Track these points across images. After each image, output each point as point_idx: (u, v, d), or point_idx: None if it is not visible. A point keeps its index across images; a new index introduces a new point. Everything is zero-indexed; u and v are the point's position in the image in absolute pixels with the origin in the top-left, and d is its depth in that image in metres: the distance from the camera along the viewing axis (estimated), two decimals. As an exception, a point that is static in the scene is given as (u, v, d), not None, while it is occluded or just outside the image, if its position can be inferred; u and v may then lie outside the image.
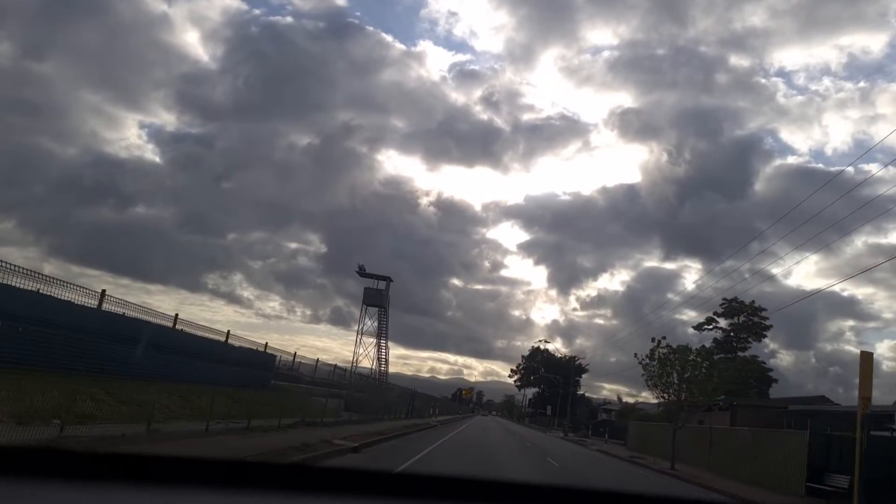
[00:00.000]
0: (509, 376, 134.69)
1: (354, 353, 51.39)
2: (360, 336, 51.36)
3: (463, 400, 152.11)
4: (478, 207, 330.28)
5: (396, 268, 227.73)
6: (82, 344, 13.17)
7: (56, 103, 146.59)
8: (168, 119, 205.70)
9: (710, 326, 49.29)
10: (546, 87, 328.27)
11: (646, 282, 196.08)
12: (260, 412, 21.15)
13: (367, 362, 54.75)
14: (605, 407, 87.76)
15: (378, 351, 53.84)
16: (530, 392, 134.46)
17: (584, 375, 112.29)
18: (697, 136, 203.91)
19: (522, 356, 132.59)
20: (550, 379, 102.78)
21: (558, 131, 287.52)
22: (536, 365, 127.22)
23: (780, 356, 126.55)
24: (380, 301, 50.95)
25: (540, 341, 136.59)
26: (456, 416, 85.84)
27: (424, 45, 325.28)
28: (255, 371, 30.29)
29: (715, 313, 44.53)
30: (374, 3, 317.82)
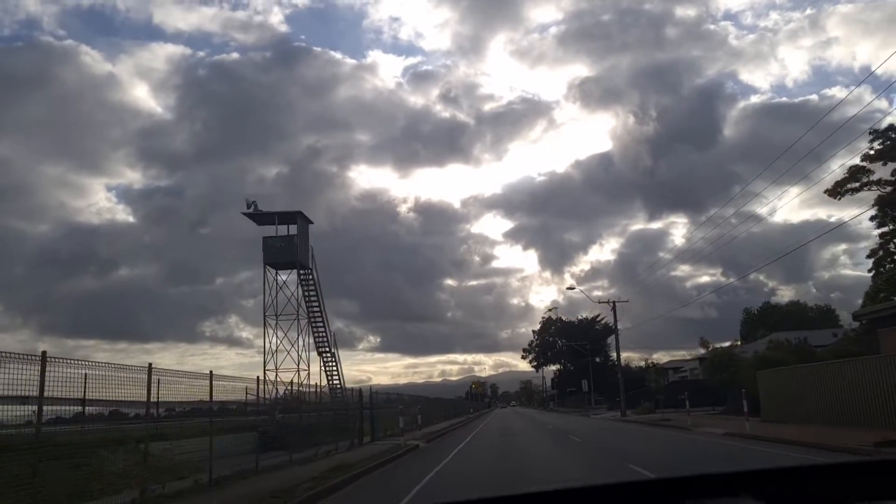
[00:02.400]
0: (522, 357, 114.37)
1: (266, 355, 30.78)
2: (272, 330, 30.91)
3: (476, 396, 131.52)
4: (457, 205, 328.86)
5: (388, 279, 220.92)
6: None
7: (18, 182, 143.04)
8: (134, 177, 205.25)
9: (857, 184, 29.22)
10: (501, 74, 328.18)
11: (635, 245, 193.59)
12: None
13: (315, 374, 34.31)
14: (668, 366, 67.53)
15: (318, 347, 33.60)
16: (550, 371, 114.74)
17: (610, 339, 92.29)
18: (659, 93, 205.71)
19: (533, 331, 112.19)
20: (574, 348, 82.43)
21: (522, 115, 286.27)
22: (552, 338, 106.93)
23: (780, 292, 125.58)
24: (292, 256, 30.34)
25: (549, 311, 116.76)
26: (467, 416, 65.33)
27: (374, 55, 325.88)
28: None
29: (867, 158, 24.94)
30: (315, 24, 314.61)
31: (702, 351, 40.14)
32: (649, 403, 46.55)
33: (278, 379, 29.96)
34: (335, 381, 34.38)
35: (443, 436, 30.19)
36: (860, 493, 1.52)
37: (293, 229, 31.09)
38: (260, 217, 31.11)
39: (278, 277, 31.50)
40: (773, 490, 1.51)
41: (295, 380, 29.33)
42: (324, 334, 33.47)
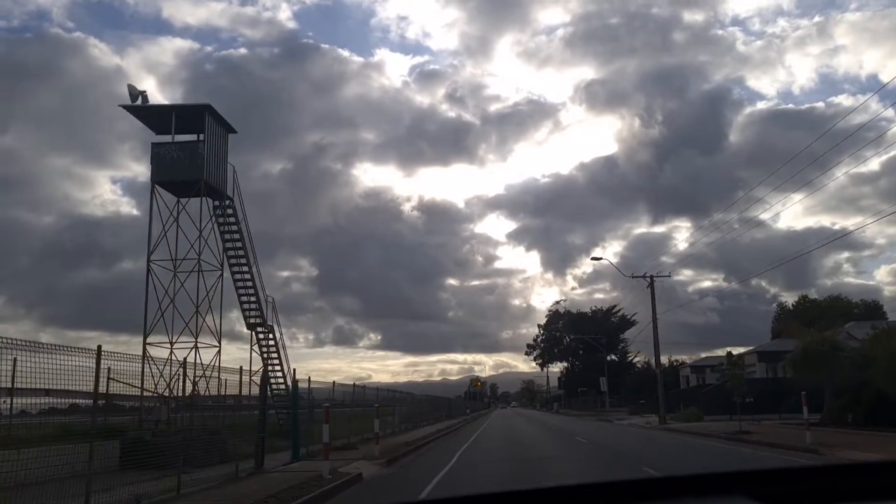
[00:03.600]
0: (526, 353, 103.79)
1: (147, 324, 20.33)
2: (159, 282, 20.67)
3: (475, 395, 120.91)
4: (461, 205, 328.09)
5: (390, 277, 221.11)
6: None
7: (24, 173, 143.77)
8: (139, 170, 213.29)
9: None
10: (508, 75, 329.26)
11: (638, 248, 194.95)
12: None
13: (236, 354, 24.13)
14: (702, 364, 57.14)
15: (246, 318, 23.57)
16: (555, 371, 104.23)
17: (627, 333, 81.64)
18: (665, 97, 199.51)
19: (539, 325, 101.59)
20: (587, 342, 71.71)
21: (528, 116, 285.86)
22: (559, 333, 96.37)
23: (783, 298, 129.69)
24: (195, 172, 19.79)
25: (557, 303, 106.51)
26: (462, 418, 54.84)
27: (381, 54, 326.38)
28: None
29: None
30: (323, 22, 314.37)
31: (733, 351, 28.98)
32: (693, 408, 36.15)
33: (172, 357, 19.57)
34: (276, 369, 24.06)
35: (419, 450, 19.78)
36: (852, 494, 1.53)
37: (200, 136, 20.55)
38: (146, 113, 20.54)
39: (179, 207, 20.93)
40: (769, 490, 1.49)
41: (192, 360, 18.87)
42: (254, 299, 23.11)
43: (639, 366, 76.82)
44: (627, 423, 39.84)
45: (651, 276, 36.14)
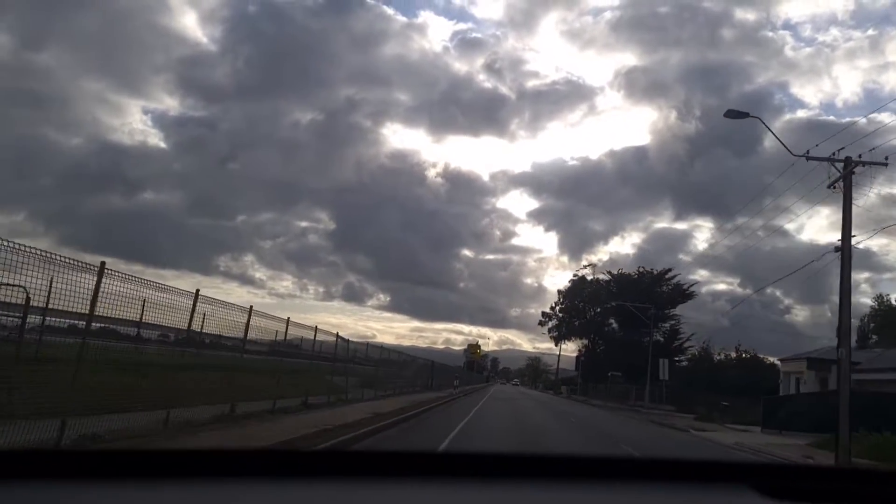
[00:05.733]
0: (540, 324, 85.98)
1: None
2: None
3: (472, 365, 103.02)
4: (486, 177, 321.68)
5: (406, 240, 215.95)
6: None
7: (58, 93, 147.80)
8: (171, 104, 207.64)
9: None
10: (549, 52, 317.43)
11: (657, 243, 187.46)
12: None
13: None
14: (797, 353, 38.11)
15: None
16: (568, 352, 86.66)
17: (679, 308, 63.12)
18: (705, 93, 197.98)
19: (559, 291, 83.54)
20: (631, 311, 53.02)
21: (564, 96, 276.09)
22: (582, 304, 78.13)
23: (795, 311, 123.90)
24: None
25: (587, 266, 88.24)
26: (447, 394, 37.19)
27: (425, 16, 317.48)
28: None
29: None
30: None
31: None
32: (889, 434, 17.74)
33: None
34: None
35: None
36: (860, 498, 1.52)
37: None
38: None
39: None
40: (772, 483, 1.47)
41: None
42: None
43: (692, 353, 58.70)
44: (733, 441, 21.68)
45: (848, 158, 17.54)
